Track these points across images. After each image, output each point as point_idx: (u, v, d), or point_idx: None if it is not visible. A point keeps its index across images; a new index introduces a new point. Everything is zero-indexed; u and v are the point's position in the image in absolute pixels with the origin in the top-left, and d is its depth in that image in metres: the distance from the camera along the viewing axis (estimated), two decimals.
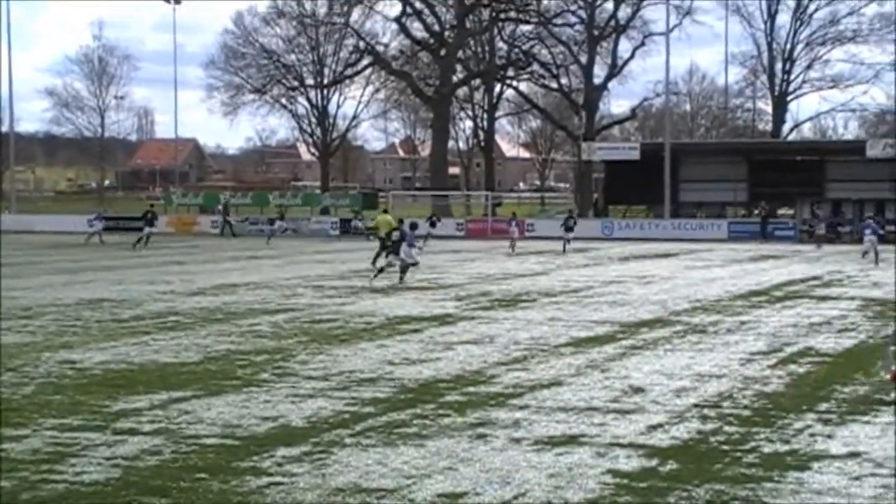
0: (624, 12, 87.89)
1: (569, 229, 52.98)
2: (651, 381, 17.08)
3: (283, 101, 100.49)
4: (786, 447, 12.93)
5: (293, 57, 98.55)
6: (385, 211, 46.92)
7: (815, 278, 36.02)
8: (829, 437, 13.44)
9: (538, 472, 11.74)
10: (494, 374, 17.75)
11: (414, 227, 37.52)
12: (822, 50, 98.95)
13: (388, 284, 33.61)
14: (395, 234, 35.09)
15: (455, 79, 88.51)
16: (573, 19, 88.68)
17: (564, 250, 50.83)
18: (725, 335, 22.41)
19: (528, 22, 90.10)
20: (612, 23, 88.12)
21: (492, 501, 10.77)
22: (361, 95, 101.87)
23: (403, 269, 34.07)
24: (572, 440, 13.21)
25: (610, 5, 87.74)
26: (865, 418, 14.42)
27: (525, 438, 13.28)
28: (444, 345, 21.03)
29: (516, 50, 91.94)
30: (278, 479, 11.50)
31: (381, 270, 34.54)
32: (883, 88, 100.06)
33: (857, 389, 16.45)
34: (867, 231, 44.23)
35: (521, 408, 15.09)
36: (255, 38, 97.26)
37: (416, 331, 23.15)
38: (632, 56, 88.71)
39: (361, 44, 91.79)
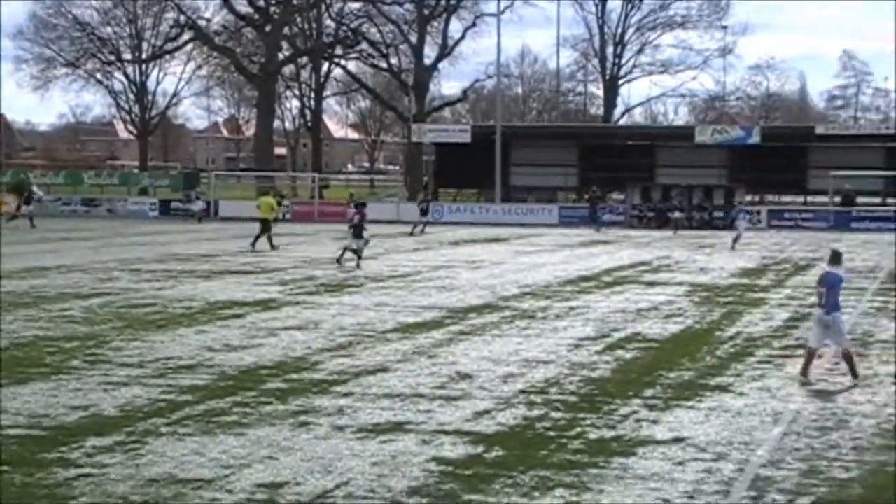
0: None
1: (423, 213, 54.13)
2: (478, 367, 16.90)
3: (99, 75, 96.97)
4: (611, 433, 12.93)
5: (109, 30, 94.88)
6: (266, 193, 46.48)
7: (643, 263, 36.42)
8: (655, 422, 13.48)
9: (361, 461, 11.51)
10: (318, 361, 17.34)
11: (363, 205, 37.92)
12: (653, 35, 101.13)
13: (210, 269, 32.86)
14: (356, 218, 34.81)
15: (281, 56, 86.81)
16: None
17: (413, 233, 51.41)
18: (554, 321, 22.38)
19: None
20: (443, 2, 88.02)
21: (313, 490, 10.51)
22: (182, 72, 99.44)
23: (357, 251, 33.80)
24: (397, 427, 12.98)
25: None
26: (690, 403, 14.50)
27: (349, 426, 13.01)
28: (267, 330, 20.50)
29: (344, 28, 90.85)
30: (88, 470, 11.02)
31: (343, 252, 33.92)
32: (711, 74, 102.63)
33: (683, 375, 16.55)
34: (741, 216, 46.14)
35: (346, 395, 14.78)
36: (68, 9, 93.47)
37: (238, 316, 22.52)
38: (463, 37, 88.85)
39: (182, 18, 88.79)
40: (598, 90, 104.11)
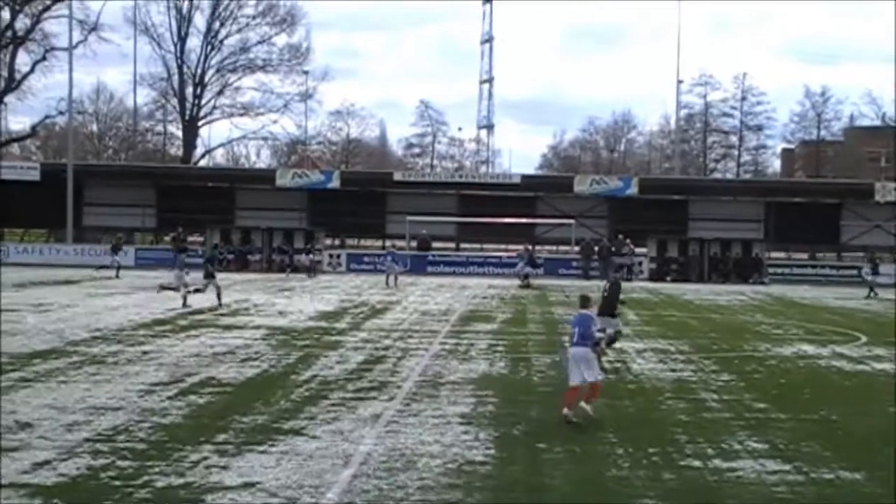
0: (22, 23, 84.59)
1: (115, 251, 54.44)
2: (40, 416, 16.01)
3: None
4: (180, 480, 12.61)
5: None
6: None
7: (221, 307, 35.91)
8: (225, 468, 13.21)
9: None
10: None
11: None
12: (234, 77, 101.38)
13: None
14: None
15: None
16: None
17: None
18: (125, 366, 21.58)
19: None
20: (9, 34, 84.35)
21: None
22: None
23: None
24: None
25: (6, 14, 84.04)
26: (262, 448, 14.29)
27: None
28: None
29: None
30: None
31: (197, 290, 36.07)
32: (293, 118, 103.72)
33: (256, 419, 16.30)
34: (389, 257, 52.35)
35: None
36: None
37: None
38: (32, 70, 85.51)
39: None
40: (177, 130, 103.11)
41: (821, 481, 13.42)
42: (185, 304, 34.90)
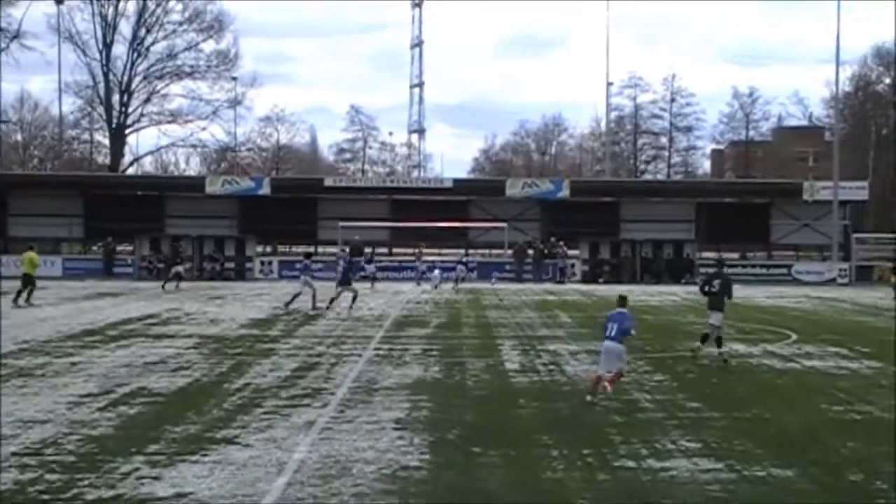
0: None
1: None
2: None
3: None
4: (111, 492, 12.45)
5: None
6: (31, 248, 42.77)
7: (152, 316, 35.58)
8: (157, 479, 13.06)
9: None
10: None
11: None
12: (161, 84, 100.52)
13: None
14: (342, 265, 40.62)
15: None
16: None
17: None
18: (54, 378, 21.25)
19: None
20: None
21: None
22: None
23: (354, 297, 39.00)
24: None
25: None
26: (195, 458, 14.13)
27: None
28: None
29: None
30: None
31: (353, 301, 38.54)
32: (222, 125, 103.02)
33: (189, 429, 16.11)
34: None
35: None
36: None
37: None
38: None
39: None
40: (104, 139, 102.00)
41: (753, 479, 13.52)
42: (288, 306, 38.26)
